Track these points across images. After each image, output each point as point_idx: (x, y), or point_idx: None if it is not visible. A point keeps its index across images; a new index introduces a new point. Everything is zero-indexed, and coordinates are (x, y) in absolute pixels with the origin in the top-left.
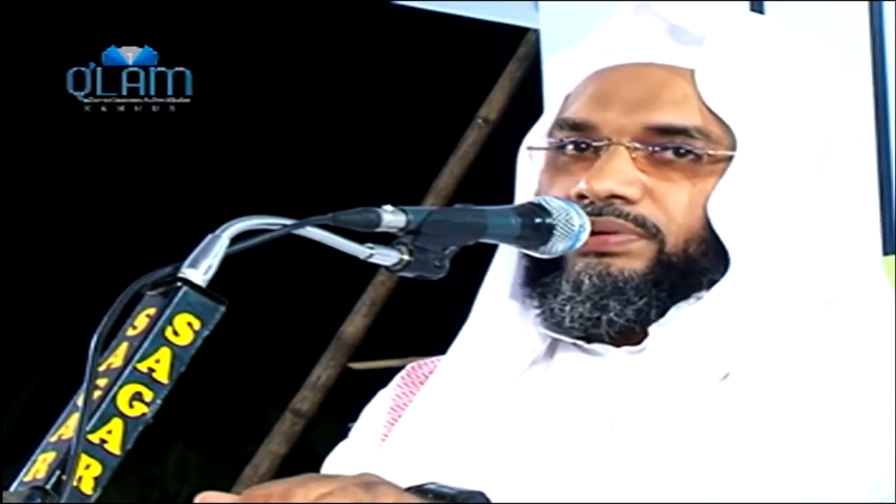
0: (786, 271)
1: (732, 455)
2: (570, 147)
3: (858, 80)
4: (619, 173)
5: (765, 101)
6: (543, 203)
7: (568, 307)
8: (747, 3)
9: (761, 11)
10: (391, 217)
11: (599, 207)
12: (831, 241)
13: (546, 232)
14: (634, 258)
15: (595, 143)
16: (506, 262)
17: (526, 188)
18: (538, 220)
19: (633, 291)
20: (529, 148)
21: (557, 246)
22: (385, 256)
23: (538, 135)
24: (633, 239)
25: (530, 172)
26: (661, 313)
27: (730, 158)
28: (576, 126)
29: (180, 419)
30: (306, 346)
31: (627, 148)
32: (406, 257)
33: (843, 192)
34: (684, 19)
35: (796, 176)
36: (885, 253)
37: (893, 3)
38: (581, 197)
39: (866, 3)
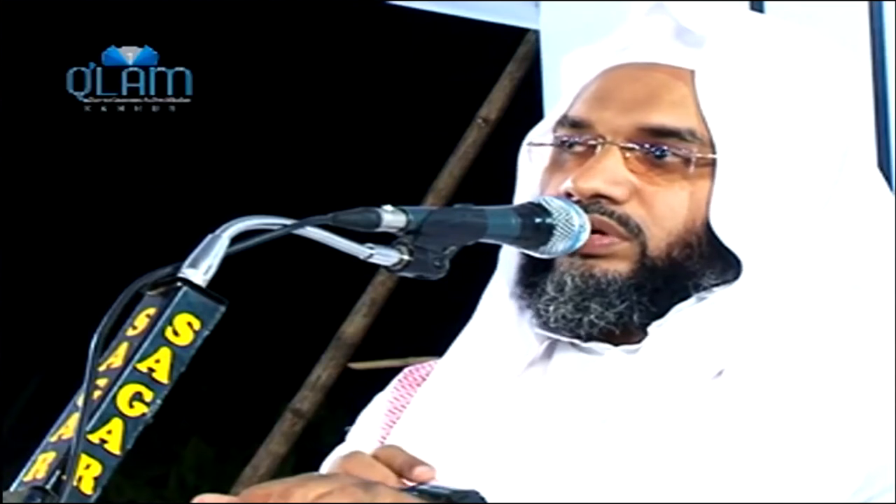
0: (797, 279)
1: (720, 449)
2: (568, 145)
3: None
4: (608, 172)
5: (763, 103)
6: (543, 203)
7: (552, 307)
8: (747, 3)
9: (761, 11)
10: (391, 217)
11: (585, 206)
12: (847, 248)
13: (546, 232)
14: (618, 261)
15: (590, 142)
16: (506, 263)
17: (527, 185)
18: (538, 220)
19: (615, 294)
20: (530, 144)
21: (557, 246)
22: (385, 256)
23: (541, 131)
24: (617, 241)
25: (531, 169)
26: (644, 317)
27: (715, 162)
28: (574, 124)
29: (192, 416)
30: (306, 346)
31: (621, 148)
32: (406, 257)
33: (864, 200)
34: (691, 20)
35: (804, 180)
36: None
37: (893, 3)
38: (567, 195)
39: (866, 3)
